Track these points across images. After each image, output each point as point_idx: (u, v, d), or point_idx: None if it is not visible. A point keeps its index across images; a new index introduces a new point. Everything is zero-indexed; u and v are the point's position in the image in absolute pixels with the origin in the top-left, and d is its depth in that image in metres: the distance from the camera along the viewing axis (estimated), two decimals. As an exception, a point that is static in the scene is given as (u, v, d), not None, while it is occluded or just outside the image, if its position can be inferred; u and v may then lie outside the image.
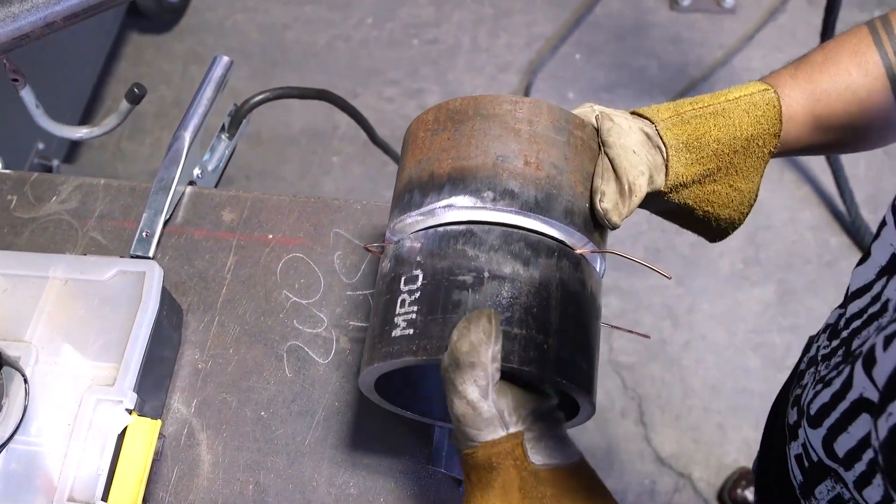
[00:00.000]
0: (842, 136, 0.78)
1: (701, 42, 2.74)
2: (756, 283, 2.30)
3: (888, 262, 0.68)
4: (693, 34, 2.75)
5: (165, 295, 0.87)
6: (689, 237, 2.39)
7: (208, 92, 1.04)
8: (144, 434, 0.78)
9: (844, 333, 0.74)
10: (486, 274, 0.62)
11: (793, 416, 0.83)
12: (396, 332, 0.63)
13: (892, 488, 0.54)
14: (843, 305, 0.78)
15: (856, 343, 0.69)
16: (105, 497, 0.75)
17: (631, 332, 0.77)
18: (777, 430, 0.92)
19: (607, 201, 0.67)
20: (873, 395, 0.59)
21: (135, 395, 0.79)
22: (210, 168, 1.09)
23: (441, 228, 0.66)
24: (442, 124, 0.70)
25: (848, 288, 0.77)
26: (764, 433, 1.03)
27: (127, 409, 0.78)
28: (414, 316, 0.63)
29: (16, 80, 0.98)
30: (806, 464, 0.77)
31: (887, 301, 0.65)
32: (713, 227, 0.79)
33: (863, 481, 0.63)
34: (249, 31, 2.96)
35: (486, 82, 2.73)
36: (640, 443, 2.11)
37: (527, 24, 2.84)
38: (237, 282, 0.96)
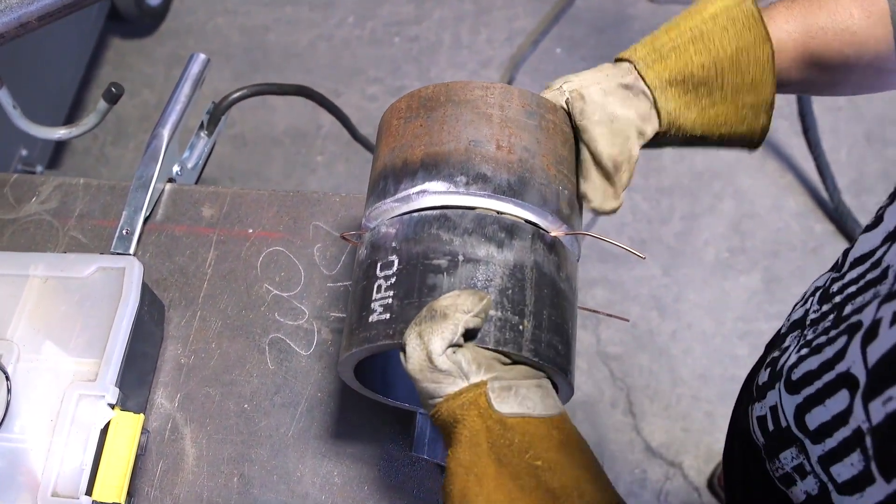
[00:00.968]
0: (834, 76, 0.76)
1: (681, 33, 2.74)
2: (742, 271, 2.31)
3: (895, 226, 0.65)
4: (673, 26, 2.76)
5: (146, 291, 0.87)
6: (674, 227, 2.42)
7: (186, 89, 1.04)
8: (127, 428, 0.78)
9: (838, 298, 0.72)
10: (461, 257, 0.63)
11: (764, 376, 0.81)
12: (373, 318, 0.63)
13: (881, 473, 0.53)
14: (839, 269, 0.76)
15: (848, 309, 0.68)
16: (89, 491, 0.75)
17: (610, 315, 0.78)
18: (745, 393, 0.89)
19: (594, 199, 0.67)
20: (859, 372, 0.58)
21: (117, 390, 0.79)
22: (189, 166, 1.09)
23: (416, 214, 0.67)
24: (415, 111, 0.71)
25: (849, 252, 0.74)
26: (735, 406, 1.01)
27: (109, 404, 0.78)
28: (390, 301, 0.63)
29: (-8, 81, 0.98)
30: (771, 427, 0.75)
31: (888, 268, 0.63)
32: (741, 141, 0.76)
33: (831, 458, 0.63)
34: (231, 34, 2.96)
35: (468, 78, 2.74)
36: (629, 433, 2.11)
37: (507, 19, 2.85)
38: (218, 277, 0.96)
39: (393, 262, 0.65)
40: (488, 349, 0.59)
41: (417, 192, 0.66)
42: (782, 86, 0.76)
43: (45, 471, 0.75)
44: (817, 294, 0.78)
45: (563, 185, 0.69)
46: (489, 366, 0.58)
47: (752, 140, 0.76)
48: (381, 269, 0.65)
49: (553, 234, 0.67)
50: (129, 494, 0.80)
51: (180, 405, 0.89)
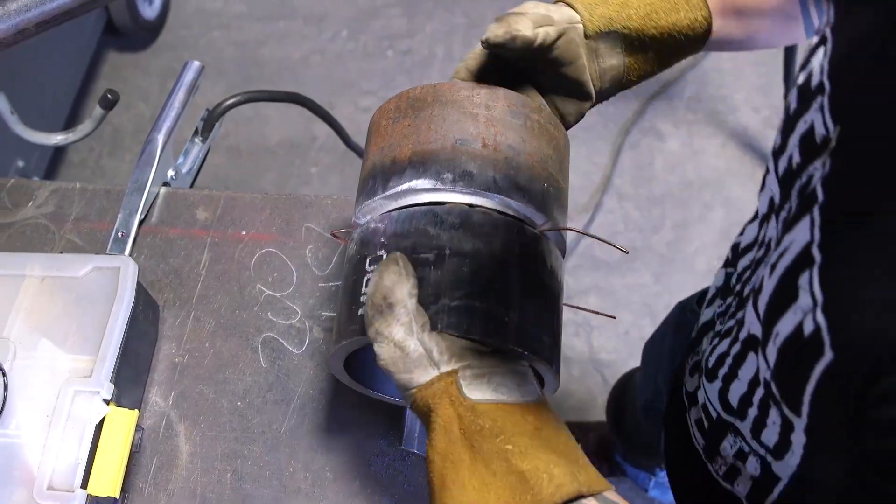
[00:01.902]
0: (749, 26, 0.78)
1: (671, 45, 2.77)
2: (732, 279, 2.33)
3: (767, 208, 0.69)
4: (663, 38, 2.79)
5: (141, 291, 0.89)
6: (666, 236, 2.44)
7: (180, 95, 1.06)
8: (122, 424, 0.79)
9: (737, 287, 0.74)
10: (448, 251, 0.65)
11: (692, 383, 0.83)
12: (362, 311, 0.65)
13: (792, 411, 0.53)
14: (733, 264, 0.78)
15: (747, 290, 0.69)
16: (85, 485, 0.76)
17: (595, 312, 0.80)
18: (678, 402, 0.90)
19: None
20: (757, 329, 0.59)
21: (112, 386, 0.80)
22: (184, 171, 1.11)
23: (404, 210, 0.68)
24: (403, 112, 0.73)
25: (738, 246, 0.77)
26: (666, 409, 1.00)
27: (104, 400, 0.79)
28: (379, 294, 0.65)
29: (-11, 88, 1.00)
30: (706, 424, 0.76)
31: (770, 240, 0.65)
32: (688, 40, 0.76)
33: (757, 426, 0.63)
34: (225, 48, 2.98)
35: (461, 90, 2.76)
36: (622, 439, 2.13)
37: (500, 33, 2.88)
38: (212, 278, 0.98)
39: (381, 256, 0.67)
40: (464, 338, 0.61)
41: (405, 189, 0.68)
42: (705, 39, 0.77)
43: (41, 465, 0.77)
44: (719, 292, 0.80)
45: (548, 181, 0.71)
46: (461, 355, 0.59)
47: (695, 37, 0.76)
48: (370, 264, 0.67)
49: (538, 229, 0.69)
50: (124, 490, 0.81)
51: (174, 403, 0.90)
